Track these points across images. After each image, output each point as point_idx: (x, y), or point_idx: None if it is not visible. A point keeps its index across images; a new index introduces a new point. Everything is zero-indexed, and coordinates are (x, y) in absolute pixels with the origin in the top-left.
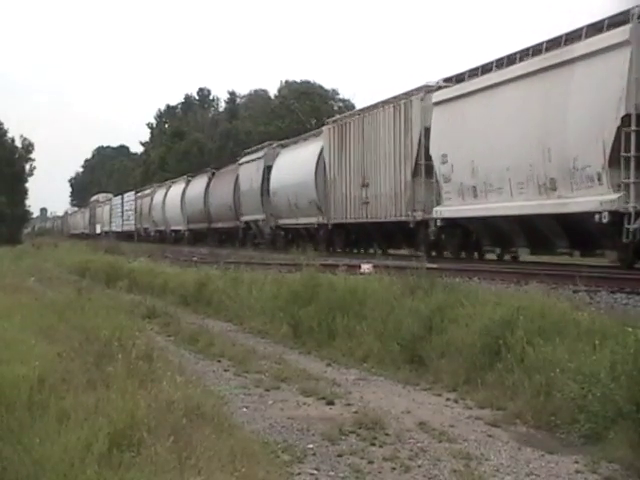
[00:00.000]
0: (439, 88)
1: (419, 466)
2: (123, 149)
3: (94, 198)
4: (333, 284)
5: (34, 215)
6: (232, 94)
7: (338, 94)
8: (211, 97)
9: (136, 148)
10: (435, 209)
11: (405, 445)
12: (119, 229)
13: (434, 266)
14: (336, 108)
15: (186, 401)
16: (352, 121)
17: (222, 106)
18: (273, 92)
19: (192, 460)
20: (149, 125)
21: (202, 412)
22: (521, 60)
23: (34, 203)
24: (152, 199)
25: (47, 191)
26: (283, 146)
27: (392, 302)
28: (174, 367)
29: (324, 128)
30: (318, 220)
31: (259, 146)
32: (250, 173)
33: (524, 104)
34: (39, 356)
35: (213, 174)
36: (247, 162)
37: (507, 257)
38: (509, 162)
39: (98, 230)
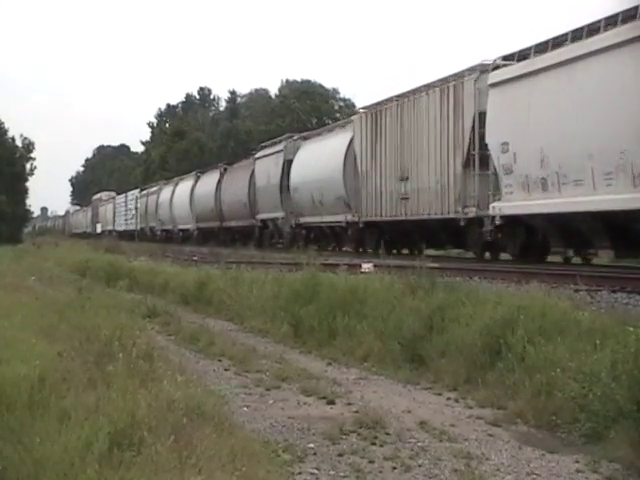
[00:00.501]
0: (497, 67)
1: (420, 465)
2: (124, 148)
3: (97, 197)
4: (334, 283)
5: (35, 214)
6: (233, 93)
7: (339, 93)
8: (212, 96)
9: (137, 147)
10: (492, 205)
11: (406, 444)
12: (123, 228)
13: (435, 265)
14: (336, 107)
15: (187, 400)
16: (388, 108)
17: (223, 105)
18: (274, 91)
19: (193, 459)
20: (150, 124)
21: (203, 411)
22: (606, 29)
23: (35, 202)
24: (158, 197)
25: (48, 190)
26: (305, 138)
27: (393, 301)
28: (175, 366)
29: (354, 117)
30: (346, 218)
31: (277, 139)
32: (267, 168)
33: (614, 79)
34: (39, 355)
35: (225, 170)
36: (264, 156)
37: (576, 259)
38: (591, 149)
39: (99, 229)
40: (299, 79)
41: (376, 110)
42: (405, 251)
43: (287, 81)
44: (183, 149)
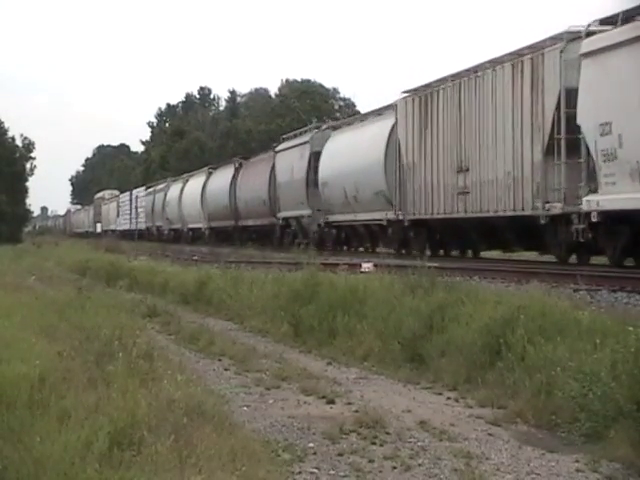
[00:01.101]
0: (590, 34)
1: (420, 465)
2: (124, 148)
3: (99, 195)
4: (334, 283)
5: (35, 214)
6: (233, 93)
7: (339, 93)
8: (212, 96)
9: (137, 147)
10: (586, 199)
11: (406, 444)
12: (127, 227)
13: (435, 265)
14: (337, 107)
15: (187, 400)
16: (441, 89)
17: (223, 105)
18: (274, 91)
19: (193, 459)
20: (150, 124)
21: (203, 411)
22: None
23: (34, 202)
24: (166, 195)
25: (48, 190)
26: (334, 128)
27: (393, 301)
28: (175, 366)
29: (398, 101)
30: (387, 216)
31: (302, 129)
32: (291, 161)
33: None
34: (39, 355)
35: (240, 165)
36: (286, 149)
37: None
38: None
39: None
40: (299, 79)
41: (425, 93)
42: (455, 252)
43: (287, 81)
44: (183, 149)
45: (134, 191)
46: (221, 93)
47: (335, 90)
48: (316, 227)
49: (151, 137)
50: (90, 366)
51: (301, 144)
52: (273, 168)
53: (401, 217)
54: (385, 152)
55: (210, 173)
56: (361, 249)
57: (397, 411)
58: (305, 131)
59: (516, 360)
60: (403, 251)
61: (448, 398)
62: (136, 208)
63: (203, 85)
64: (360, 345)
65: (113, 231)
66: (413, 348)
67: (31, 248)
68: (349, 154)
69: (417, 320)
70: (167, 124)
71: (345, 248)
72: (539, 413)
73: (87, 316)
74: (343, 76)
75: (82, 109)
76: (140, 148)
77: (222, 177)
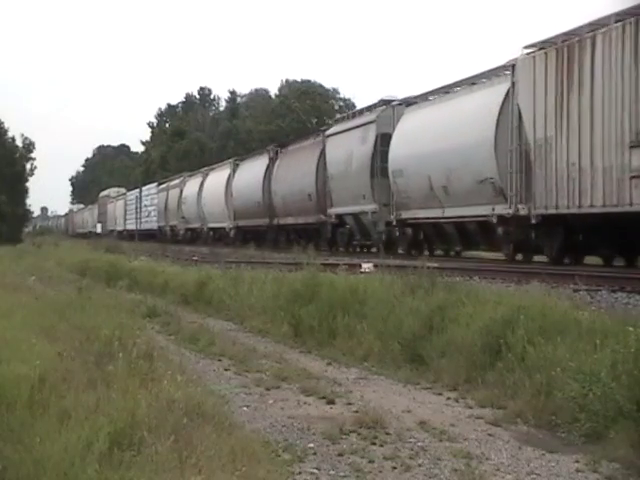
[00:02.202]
0: None
1: (420, 465)
2: (124, 148)
3: (104, 193)
4: (334, 283)
5: (35, 214)
6: (233, 93)
7: (339, 93)
8: (212, 96)
9: (137, 147)
10: None
11: (406, 444)
12: (136, 227)
13: (435, 265)
14: (337, 107)
15: (187, 400)
16: (600, 35)
17: (223, 105)
18: (274, 91)
19: (193, 459)
20: (150, 124)
21: (203, 411)
22: None
23: (35, 202)
24: (182, 191)
25: (48, 190)
26: (409, 103)
27: (393, 301)
28: (175, 366)
29: (518, 60)
30: (495, 211)
31: (363, 107)
32: (348, 146)
33: None
34: (40, 355)
35: (277, 154)
36: (342, 132)
37: None
38: None
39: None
40: (299, 79)
41: (569, 43)
42: (619, 262)
43: (287, 81)
44: (183, 149)
45: (143, 188)
46: (221, 93)
47: (335, 90)
48: (383, 226)
49: (151, 137)
50: (90, 366)
51: (363, 125)
52: (322, 156)
53: (523, 212)
54: (496, 128)
55: (237, 165)
56: (452, 253)
57: (397, 411)
58: (370, 108)
59: (516, 360)
60: (518, 256)
61: (448, 398)
62: (146, 206)
63: (203, 85)
64: (360, 345)
65: (120, 232)
66: (413, 348)
67: (31, 248)
68: (437, 134)
69: (417, 320)
70: (167, 124)
71: (426, 253)
72: (539, 413)
73: (87, 316)
74: (343, 76)
75: (82, 108)
76: (140, 148)
77: (253, 169)
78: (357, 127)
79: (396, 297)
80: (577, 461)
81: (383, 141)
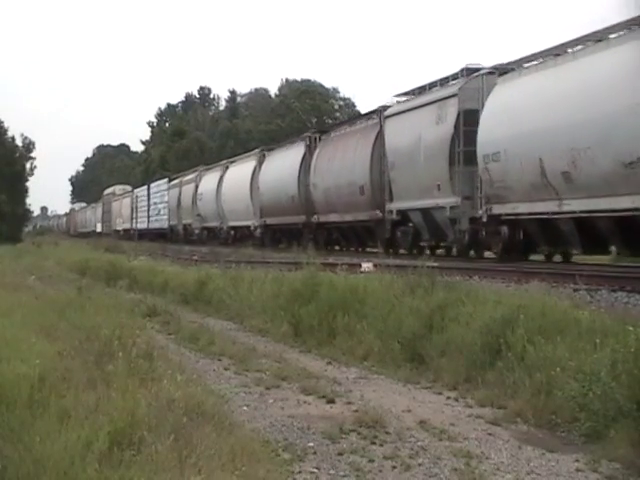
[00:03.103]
0: None
1: (420, 465)
2: (124, 148)
3: (109, 191)
4: (334, 283)
5: (35, 214)
6: (233, 93)
7: (339, 93)
8: (212, 96)
9: (136, 147)
10: None
11: (405, 444)
12: (146, 226)
13: (435, 265)
14: (336, 107)
15: (187, 400)
16: None
17: (223, 105)
18: (273, 91)
19: (192, 459)
20: (149, 124)
21: (202, 411)
22: None
23: (35, 202)
24: (197, 187)
25: (48, 190)
26: (502, 72)
27: (392, 301)
28: (174, 366)
29: None
30: None
31: (434, 80)
32: (416, 128)
33: None
34: (39, 355)
35: (316, 140)
36: (407, 111)
37: None
38: None
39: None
40: (299, 79)
41: None
42: None
43: (287, 81)
44: (183, 148)
45: (152, 185)
46: (221, 93)
47: (335, 90)
48: (466, 223)
49: (151, 137)
50: (90, 366)
51: (438, 101)
52: (378, 141)
53: None
54: None
55: (263, 156)
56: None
57: (397, 411)
58: (443, 81)
59: (516, 360)
60: None
61: (448, 398)
62: (155, 204)
63: (203, 85)
64: (360, 345)
65: (126, 231)
66: (413, 348)
67: (31, 248)
68: (553, 105)
69: (417, 320)
70: (167, 124)
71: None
72: (539, 413)
73: (87, 316)
74: (343, 76)
75: (82, 108)
76: (140, 148)
77: (285, 160)
78: (429, 104)
79: (396, 297)
80: (577, 460)
81: (467, 119)
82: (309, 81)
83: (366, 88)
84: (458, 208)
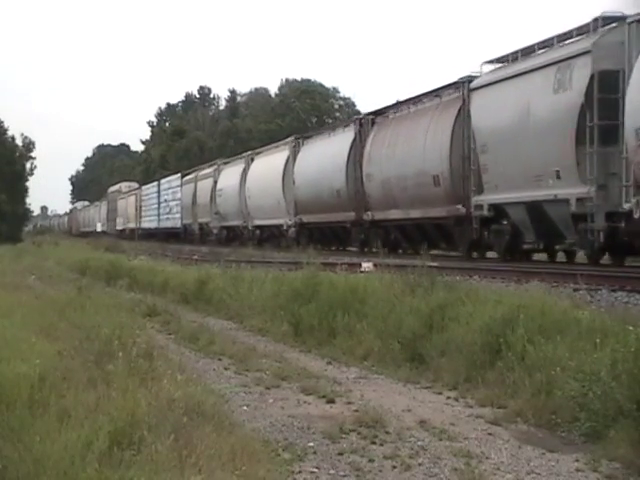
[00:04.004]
0: None
1: (420, 464)
2: (123, 147)
3: (114, 188)
4: (334, 282)
5: (35, 213)
6: (233, 92)
7: (339, 92)
8: (212, 95)
9: (136, 146)
10: None
11: (406, 443)
12: (154, 225)
13: (435, 264)
14: (337, 106)
15: (187, 399)
16: None
17: (223, 104)
18: (274, 90)
19: (192, 458)
20: (149, 123)
21: (203, 410)
22: None
23: (35, 202)
24: (216, 182)
25: (47, 189)
26: None
27: (393, 300)
28: (174, 365)
29: None
30: None
31: (549, 37)
32: (520, 98)
33: None
34: (40, 354)
35: (370, 123)
36: (505, 79)
37: None
38: None
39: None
40: (299, 78)
41: None
42: None
43: (287, 80)
44: (183, 148)
45: (163, 181)
46: (221, 92)
47: (335, 89)
48: (602, 220)
49: (151, 136)
50: (90, 365)
51: (556, 62)
52: (459, 120)
53: None
54: None
55: (298, 145)
56: None
57: (397, 410)
58: (562, 37)
59: (516, 360)
60: None
61: (448, 397)
62: (166, 201)
63: (203, 84)
64: (360, 344)
65: (133, 230)
66: (413, 347)
67: (31, 247)
68: None
69: (417, 319)
70: (167, 123)
71: None
72: (539, 412)
73: (87, 315)
74: (343, 76)
75: (82, 109)
76: (140, 147)
77: (327, 148)
78: (541, 68)
79: (396, 296)
80: (577, 460)
81: (604, 84)
82: (309, 81)
83: (366, 88)
84: (589, 201)
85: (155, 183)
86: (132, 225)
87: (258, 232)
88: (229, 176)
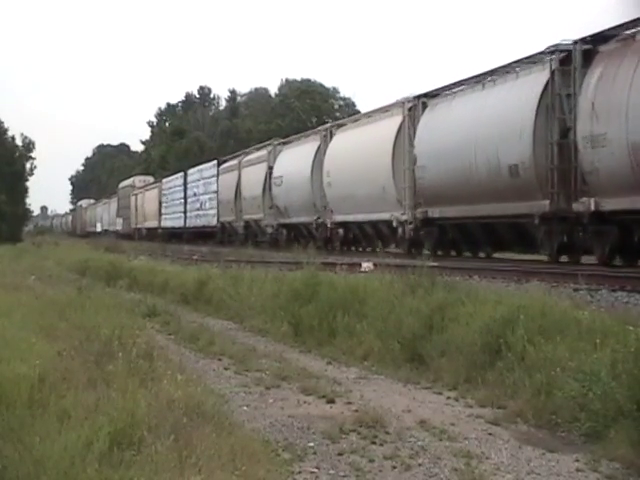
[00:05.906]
0: None
1: (420, 465)
2: (123, 147)
3: (126, 183)
4: (334, 283)
5: (35, 213)
6: (233, 92)
7: (339, 92)
8: (212, 95)
9: (136, 146)
10: None
11: (406, 444)
12: (180, 224)
13: (435, 264)
14: (336, 106)
15: (186, 400)
16: None
17: (223, 104)
18: (273, 90)
19: (192, 459)
20: (149, 123)
21: (202, 411)
22: None
23: (34, 202)
24: (271, 168)
25: (47, 189)
26: None
27: (393, 301)
28: (174, 366)
29: None
30: None
31: None
32: None
33: None
34: (39, 355)
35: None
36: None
37: None
38: None
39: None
40: (299, 78)
41: None
42: None
43: (287, 80)
44: (183, 148)
45: (191, 171)
46: (221, 92)
47: (335, 89)
48: None
49: (151, 136)
50: (90, 366)
51: None
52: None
53: None
54: None
55: (422, 108)
56: None
57: (397, 411)
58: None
59: (516, 360)
60: None
61: (448, 398)
62: (196, 195)
63: (203, 85)
64: (360, 345)
65: (149, 229)
66: (413, 348)
67: (31, 248)
68: None
69: (417, 320)
70: (167, 123)
71: None
72: (539, 413)
73: (87, 316)
74: (343, 76)
75: (82, 109)
76: (140, 147)
77: (457, 111)
78: None
79: (396, 296)
80: (577, 460)
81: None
82: (309, 81)
83: (366, 88)
84: None
85: (180, 174)
86: (151, 224)
87: (341, 231)
88: (293, 159)
